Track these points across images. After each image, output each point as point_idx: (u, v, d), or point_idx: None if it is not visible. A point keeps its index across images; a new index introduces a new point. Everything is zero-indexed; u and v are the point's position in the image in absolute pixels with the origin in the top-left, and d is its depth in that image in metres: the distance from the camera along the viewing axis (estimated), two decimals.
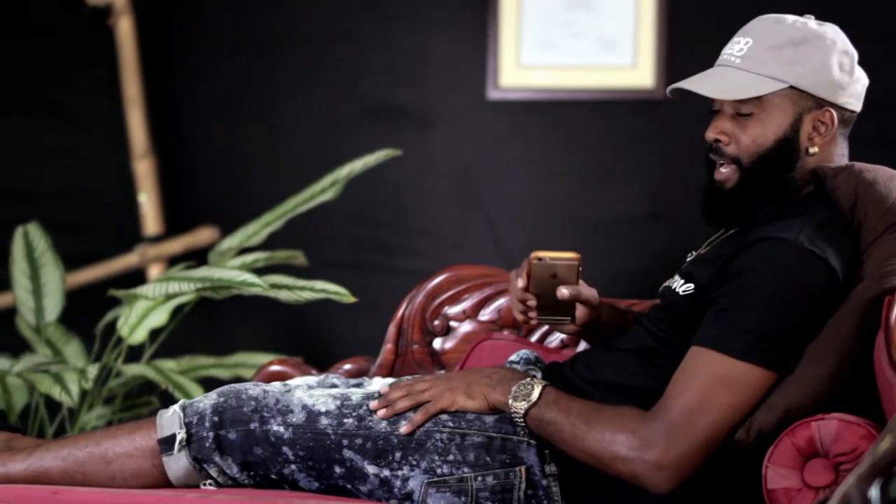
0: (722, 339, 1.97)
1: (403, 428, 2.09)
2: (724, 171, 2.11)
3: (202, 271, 2.84)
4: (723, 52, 2.16)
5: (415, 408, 2.11)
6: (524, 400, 2.07)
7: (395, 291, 3.41)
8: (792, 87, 2.07)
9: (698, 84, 2.11)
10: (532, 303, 2.14)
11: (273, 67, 3.98)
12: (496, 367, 2.20)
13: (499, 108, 3.88)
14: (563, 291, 2.12)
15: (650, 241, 3.82)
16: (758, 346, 1.96)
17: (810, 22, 2.12)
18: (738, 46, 2.12)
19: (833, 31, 2.13)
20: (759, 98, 2.07)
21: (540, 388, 2.08)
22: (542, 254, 2.11)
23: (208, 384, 3.07)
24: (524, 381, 2.09)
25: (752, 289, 1.98)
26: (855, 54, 2.14)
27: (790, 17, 2.12)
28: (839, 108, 2.10)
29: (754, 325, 1.96)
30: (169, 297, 2.85)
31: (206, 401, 2.14)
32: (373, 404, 2.14)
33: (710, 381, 1.96)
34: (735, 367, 1.96)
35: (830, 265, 1.99)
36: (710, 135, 2.12)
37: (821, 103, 2.09)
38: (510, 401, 2.08)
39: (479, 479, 2.07)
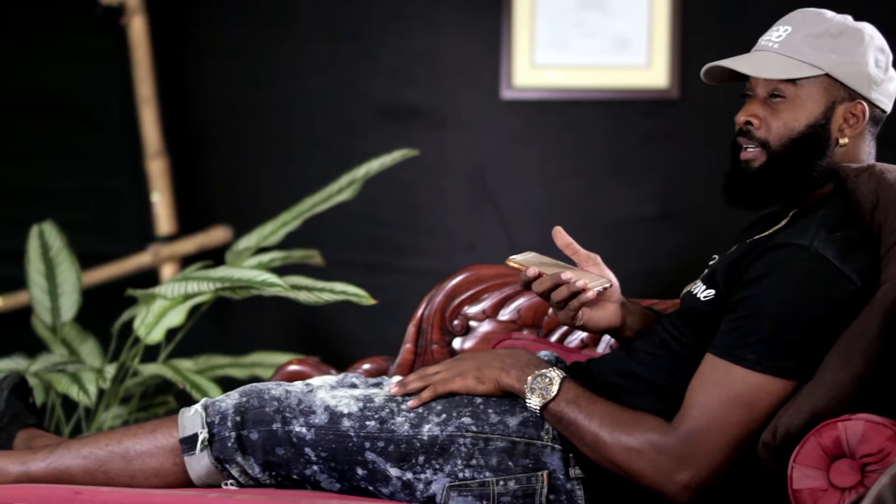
0: (736, 350, 1.99)
1: (410, 402, 2.11)
2: (751, 151, 2.11)
3: (221, 271, 2.84)
4: (760, 39, 2.17)
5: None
6: (541, 394, 2.08)
7: (408, 291, 3.41)
8: (827, 76, 2.08)
9: (739, 63, 2.12)
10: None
11: (286, 67, 3.97)
12: (509, 350, 2.20)
13: (512, 108, 3.87)
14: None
15: (663, 241, 3.82)
16: (770, 356, 1.97)
17: (848, 19, 2.14)
18: (776, 34, 2.13)
19: (871, 29, 2.15)
20: (794, 83, 2.08)
21: (558, 382, 2.08)
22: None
23: (224, 383, 3.07)
24: (541, 373, 2.10)
25: (764, 297, 1.99)
26: (891, 55, 2.15)
27: (829, 12, 2.14)
28: (871, 104, 2.11)
29: (766, 334, 1.97)
30: (188, 296, 2.84)
31: (229, 400, 2.14)
32: (392, 389, 2.15)
33: (728, 397, 1.98)
34: (750, 378, 1.98)
35: (844, 272, 1.99)
36: (742, 117, 2.12)
37: (853, 95, 2.10)
38: (526, 393, 2.08)
39: (501, 483, 2.07)
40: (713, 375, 2.00)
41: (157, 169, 3.89)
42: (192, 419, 2.13)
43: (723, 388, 1.99)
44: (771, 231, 2.13)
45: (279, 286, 2.71)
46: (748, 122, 2.11)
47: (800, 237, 2.01)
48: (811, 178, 2.10)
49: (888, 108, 2.15)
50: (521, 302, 2.58)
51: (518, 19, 3.81)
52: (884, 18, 2.39)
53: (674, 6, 3.75)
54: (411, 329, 2.59)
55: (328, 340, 3.94)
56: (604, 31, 3.80)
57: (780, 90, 2.09)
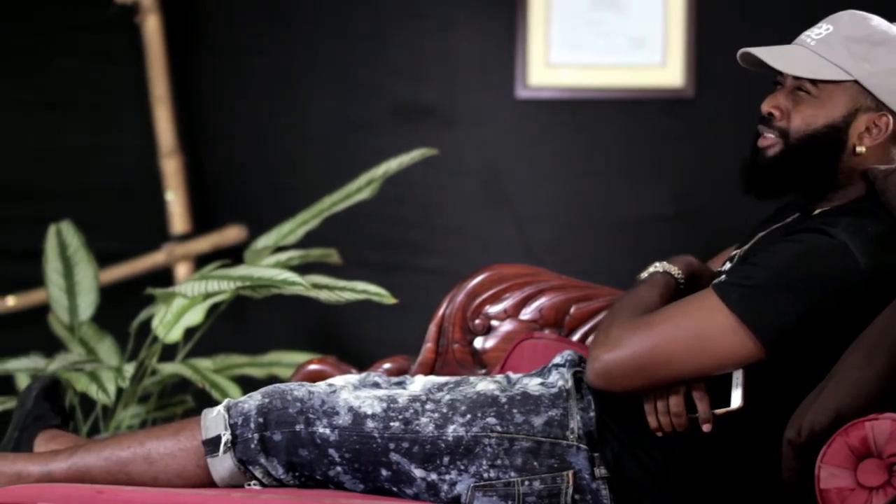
0: (725, 285, 2.00)
1: (706, 427, 2.03)
2: (769, 139, 2.13)
3: (241, 270, 2.83)
4: (802, 33, 2.17)
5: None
6: None
7: (422, 290, 3.41)
8: (856, 82, 2.08)
9: (768, 54, 2.13)
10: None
11: (300, 66, 3.97)
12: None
13: (527, 108, 3.87)
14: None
15: (677, 241, 3.82)
16: (752, 303, 1.97)
17: (895, 28, 2.13)
18: (817, 31, 2.14)
19: None
20: (821, 81, 2.09)
21: None
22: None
23: (242, 383, 3.07)
24: None
25: (774, 254, 2.01)
26: None
27: (877, 18, 2.13)
28: None
29: (758, 283, 1.98)
30: (208, 295, 2.83)
31: (251, 401, 2.13)
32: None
33: (692, 316, 1.99)
34: (720, 314, 1.98)
35: (861, 265, 1.98)
36: (766, 107, 2.14)
37: (881, 107, 2.09)
38: None
39: (526, 483, 2.07)
40: (695, 298, 2.02)
41: (171, 168, 3.89)
42: (214, 421, 2.13)
43: (692, 307, 2.00)
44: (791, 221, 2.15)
45: (301, 285, 2.70)
46: (770, 113, 2.13)
47: (830, 226, 2.02)
48: (824, 176, 2.11)
49: None
50: (542, 301, 2.58)
51: (533, 18, 3.81)
52: None
53: (689, 5, 3.75)
54: (432, 328, 2.59)
55: (343, 339, 3.94)
56: (619, 30, 3.79)
57: (806, 86, 2.10)
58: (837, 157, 2.10)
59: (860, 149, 2.09)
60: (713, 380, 2.03)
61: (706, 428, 2.03)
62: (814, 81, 2.09)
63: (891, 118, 2.09)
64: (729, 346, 1.98)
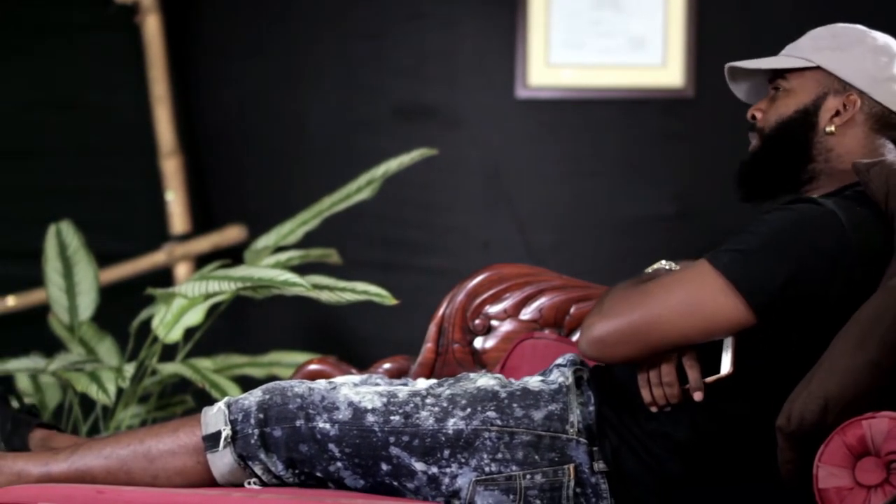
0: (717, 252, 2.04)
1: (697, 395, 2.06)
2: (752, 144, 2.24)
3: (242, 270, 2.83)
4: None
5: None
6: None
7: (422, 290, 3.41)
8: (820, 68, 2.19)
9: (740, 62, 2.27)
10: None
11: (301, 66, 3.98)
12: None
13: (527, 107, 3.88)
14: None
15: (678, 240, 3.82)
16: (741, 266, 2.00)
17: (861, 27, 2.24)
18: (792, 44, 2.27)
19: (882, 36, 2.23)
20: (785, 77, 2.21)
21: None
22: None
23: (242, 383, 3.07)
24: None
25: (764, 222, 2.05)
26: None
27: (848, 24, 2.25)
28: (867, 97, 2.17)
29: (748, 247, 2.02)
30: (208, 296, 2.83)
31: (251, 398, 2.14)
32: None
33: (685, 284, 2.03)
34: (711, 277, 2.01)
35: (848, 235, 2.01)
36: (749, 112, 2.25)
37: (847, 87, 2.18)
38: None
39: (528, 477, 2.08)
40: (689, 267, 2.07)
41: (171, 168, 3.89)
42: (215, 417, 2.13)
43: (685, 276, 2.04)
44: None
45: (301, 286, 2.70)
46: (753, 116, 2.24)
47: (820, 199, 2.08)
48: (798, 157, 2.19)
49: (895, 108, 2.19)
50: (542, 301, 2.58)
51: (533, 19, 3.81)
52: None
53: (689, 5, 3.75)
54: (432, 328, 2.59)
55: (343, 339, 3.95)
56: (619, 30, 3.80)
57: (779, 84, 2.22)
58: (809, 138, 2.18)
59: (829, 128, 2.18)
60: (704, 351, 2.05)
61: (697, 396, 2.05)
62: (783, 75, 2.21)
63: (857, 96, 2.18)
64: (720, 308, 2.01)
